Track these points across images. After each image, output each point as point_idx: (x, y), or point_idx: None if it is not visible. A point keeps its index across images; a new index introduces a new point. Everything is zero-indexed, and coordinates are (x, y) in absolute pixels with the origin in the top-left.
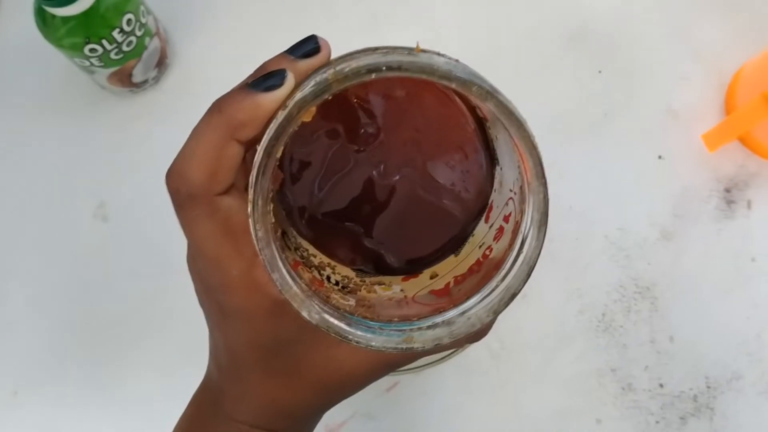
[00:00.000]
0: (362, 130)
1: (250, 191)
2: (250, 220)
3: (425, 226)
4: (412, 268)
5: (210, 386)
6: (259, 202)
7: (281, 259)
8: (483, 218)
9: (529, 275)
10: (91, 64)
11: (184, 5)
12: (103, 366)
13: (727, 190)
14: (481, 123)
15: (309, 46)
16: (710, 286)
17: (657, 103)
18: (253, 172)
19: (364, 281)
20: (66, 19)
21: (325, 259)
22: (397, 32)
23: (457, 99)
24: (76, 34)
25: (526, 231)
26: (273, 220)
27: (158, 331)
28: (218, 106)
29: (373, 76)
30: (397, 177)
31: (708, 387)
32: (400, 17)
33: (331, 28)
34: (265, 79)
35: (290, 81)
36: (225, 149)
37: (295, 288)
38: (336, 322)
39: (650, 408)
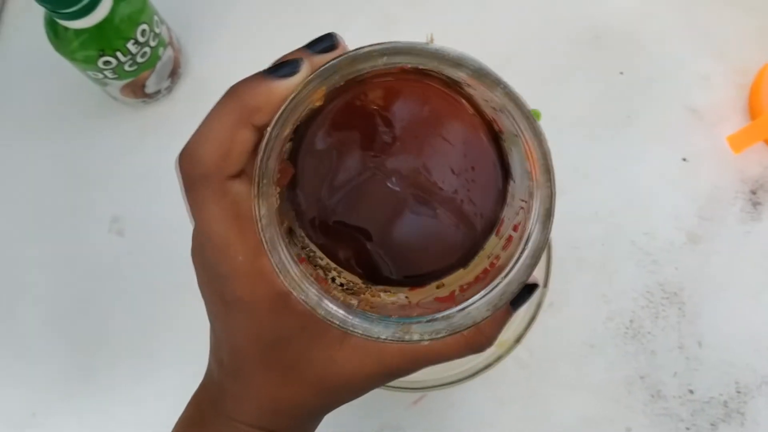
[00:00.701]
0: (379, 139)
1: (255, 170)
2: (253, 199)
3: (436, 244)
4: (419, 281)
5: (210, 384)
6: (264, 182)
7: (282, 243)
8: (494, 233)
9: (531, 269)
10: (105, 77)
11: (195, 14)
12: (122, 385)
13: (753, 192)
14: (496, 138)
15: (326, 43)
16: (738, 290)
17: (680, 104)
18: (260, 151)
19: (369, 287)
20: (79, 32)
21: (332, 263)
22: (411, 36)
23: (475, 113)
24: (90, 47)
25: (532, 227)
26: (278, 203)
27: (179, 348)
28: (234, 91)
29: (384, 59)
30: (410, 192)
31: (738, 392)
32: (414, 22)
33: (346, 39)
34: (281, 66)
35: (305, 70)
36: (239, 133)
37: (293, 271)
38: (334, 308)
39: (680, 415)
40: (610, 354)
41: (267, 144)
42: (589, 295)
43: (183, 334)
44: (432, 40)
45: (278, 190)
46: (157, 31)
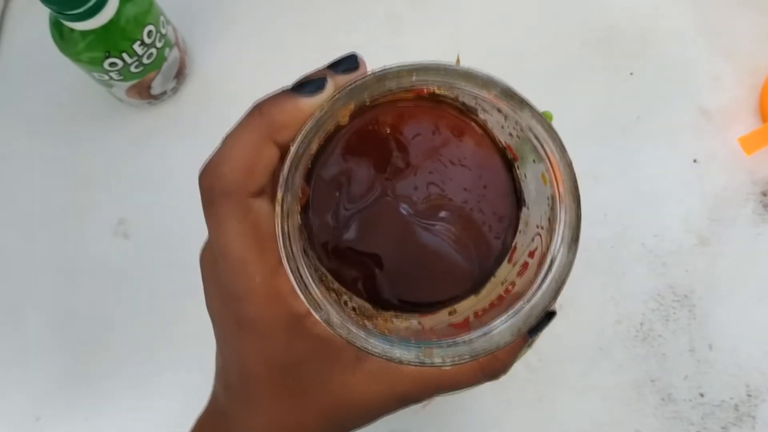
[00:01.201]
0: (392, 164)
1: (281, 184)
2: (277, 215)
3: (445, 271)
4: (429, 308)
5: (214, 411)
6: (288, 198)
7: (303, 261)
8: (506, 260)
9: (557, 293)
10: (110, 78)
11: (201, 14)
12: (127, 389)
13: (764, 194)
14: (508, 165)
15: (349, 63)
16: (749, 292)
17: (690, 105)
18: (286, 166)
19: (380, 313)
20: (85, 33)
21: (342, 288)
22: (417, 36)
23: (488, 141)
24: (96, 48)
25: (556, 251)
26: (299, 221)
27: (185, 351)
28: (259, 108)
29: (414, 78)
30: (421, 220)
31: (749, 395)
32: (421, 22)
33: (352, 39)
34: (306, 84)
35: (330, 88)
36: (263, 149)
37: (314, 290)
38: (355, 329)
39: (691, 418)
40: (620, 357)
41: (293, 159)
42: (598, 298)
43: (189, 337)
44: (459, 61)
45: (299, 208)
46: (163, 32)
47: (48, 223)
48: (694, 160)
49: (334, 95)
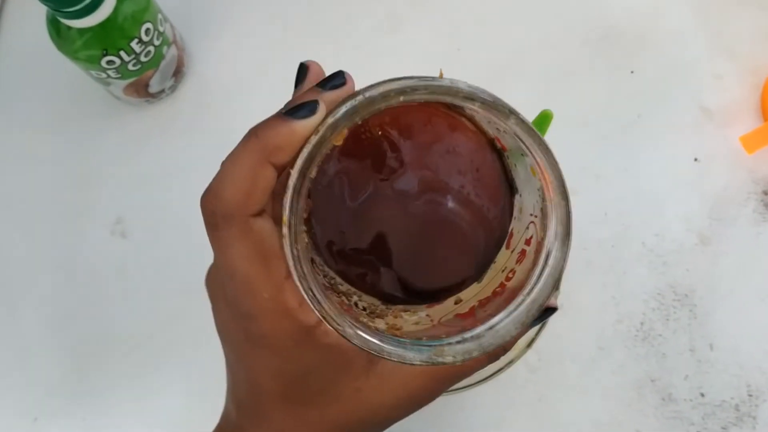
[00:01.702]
0: (387, 163)
1: (286, 210)
2: (286, 239)
3: (447, 259)
4: (434, 297)
5: (226, 429)
6: (294, 221)
7: (314, 277)
8: (504, 246)
9: (554, 286)
10: (108, 76)
11: (199, 12)
12: (124, 389)
13: (765, 193)
14: (499, 155)
15: (337, 81)
16: (750, 292)
17: (691, 103)
18: (288, 193)
19: (390, 308)
20: (82, 31)
21: (351, 288)
22: (417, 36)
23: (478, 133)
24: (93, 46)
25: (551, 245)
26: (306, 240)
27: (183, 350)
28: (255, 132)
29: (402, 98)
30: (421, 211)
31: (750, 395)
32: (421, 22)
33: (352, 39)
34: (299, 108)
35: (322, 110)
36: (261, 171)
37: (326, 304)
38: (369, 337)
39: (691, 418)
40: (620, 357)
41: (295, 183)
42: (599, 297)
43: (187, 336)
44: (441, 75)
45: (305, 227)
46: (161, 29)
47: (45, 221)
48: (695, 159)
49: (327, 119)
